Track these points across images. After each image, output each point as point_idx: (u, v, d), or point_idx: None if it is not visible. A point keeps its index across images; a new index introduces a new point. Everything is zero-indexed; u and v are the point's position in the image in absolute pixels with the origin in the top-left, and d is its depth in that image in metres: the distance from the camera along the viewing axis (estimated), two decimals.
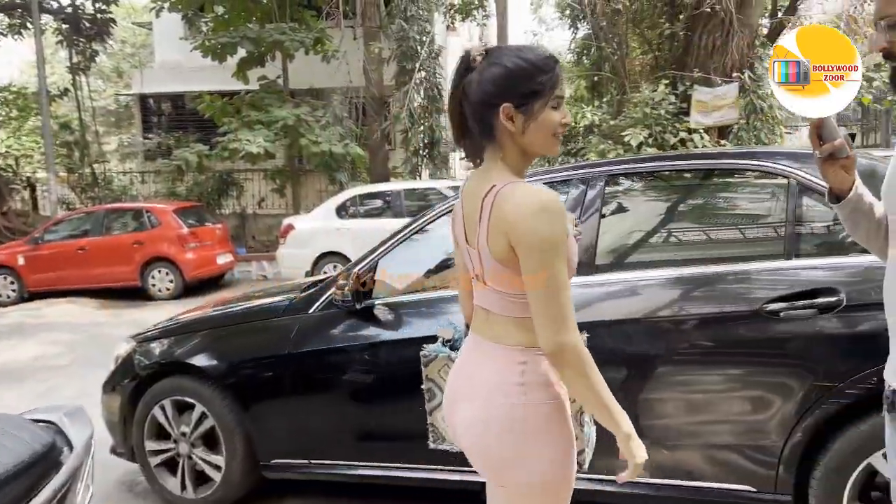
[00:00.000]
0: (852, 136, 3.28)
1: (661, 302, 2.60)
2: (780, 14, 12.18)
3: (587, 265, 2.72)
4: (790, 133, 14.24)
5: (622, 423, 1.48)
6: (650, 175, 3.07)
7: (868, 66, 12.25)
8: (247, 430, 3.25)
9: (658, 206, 3.19)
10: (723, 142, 10.30)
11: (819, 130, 1.54)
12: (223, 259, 11.39)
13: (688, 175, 3.09)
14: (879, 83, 10.77)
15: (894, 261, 1.50)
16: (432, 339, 2.90)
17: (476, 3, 17.18)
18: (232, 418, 3.25)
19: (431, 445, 2.08)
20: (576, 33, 13.14)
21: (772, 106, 10.77)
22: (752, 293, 2.48)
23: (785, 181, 2.59)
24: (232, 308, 3.69)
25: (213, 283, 11.45)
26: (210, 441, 3.34)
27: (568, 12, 13.59)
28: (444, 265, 3.47)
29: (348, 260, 9.18)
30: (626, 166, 3.06)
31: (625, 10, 11.05)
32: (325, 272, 9.35)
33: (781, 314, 2.37)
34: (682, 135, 10.06)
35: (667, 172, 3.09)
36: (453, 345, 1.98)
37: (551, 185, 3.15)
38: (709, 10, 9.95)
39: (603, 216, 2.83)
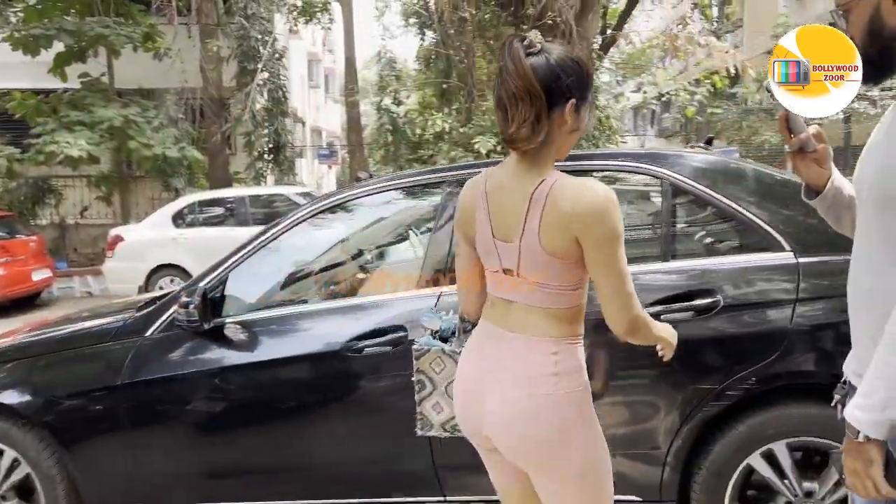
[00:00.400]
0: (710, 142, 3.37)
1: None
2: (608, 31, 12.92)
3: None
4: (625, 143, 15.17)
5: (667, 335, 1.73)
6: None
7: (689, 81, 13.32)
8: (72, 475, 2.76)
9: None
10: None
11: (788, 124, 1.55)
12: (39, 275, 10.18)
13: None
14: (700, 97, 11.74)
15: (856, 252, 1.46)
16: (296, 359, 2.66)
17: (320, 6, 16.76)
18: (52, 463, 2.75)
19: (419, 433, 2.18)
20: (423, 40, 13.17)
21: (608, 116, 11.38)
22: None
23: (658, 182, 2.57)
24: (51, 332, 3.16)
25: (28, 302, 10.22)
26: (25, 492, 2.82)
27: (414, 20, 13.59)
28: (303, 276, 3.18)
29: (188, 273, 8.51)
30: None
31: (471, 19, 11.18)
32: (161, 287, 8.60)
33: (661, 318, 2.33)
34: None
35: None
36: (442, 335, 2.05)
37: (417, 188, 2.97)
38: (550, 21, 10.28)
39: None
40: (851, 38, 1.42)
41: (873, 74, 1.43)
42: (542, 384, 1.56)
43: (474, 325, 1.78)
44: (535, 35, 1.52)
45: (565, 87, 1.50)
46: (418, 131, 12.29)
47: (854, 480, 1.35)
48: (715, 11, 20.85)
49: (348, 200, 2.95)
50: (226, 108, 12.81)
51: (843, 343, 2.27)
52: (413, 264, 2.84)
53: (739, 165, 2.56)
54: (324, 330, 2.69)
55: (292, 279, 3.17)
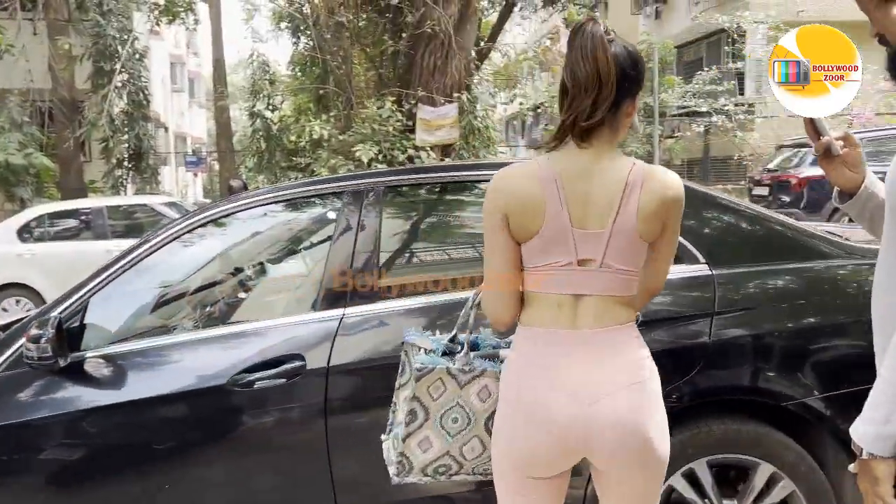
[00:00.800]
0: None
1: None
2: (482, 43, 13.05)
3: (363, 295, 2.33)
4: (503, 153, 15.43)
5: None
6: (428, 186, 2.76)
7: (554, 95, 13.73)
8: None
9: (426, 221, 2.91)
10: (446, 160, 10.64)
11: (814, 126, 1.57)
12: None
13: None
14: None
15: (879, 265, 1.37)
16: (173, 397, 2.30)
17: (184, 5, 15.84)
18: None
19: (395, 479, 1.79)
20: (297, 45, 12.70)
21: (488, 127, 11.45)
22: None
23: None
24: None
25: None
26: None
27: (287, 24, 13.10)
28: (179, 300, 2.81)
29: (38, 294, 7.64)
30: (402, 177, 2.71)
31: (348, 24, 10.91)
32: (5, 309, 7.68)
33: None
34: (410, 151, 10.17)
35: (441, 184, 2.80)
36: (450, 350, 1.77)
37: (308, 199, 2.70)
38: (429, 30, 10.21)
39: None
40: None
41: None
42: (642, 371, 1.56)
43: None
44: (604, 22, 1.52)
45: (638, 77, 1.54)
46: (294, 138, 11.84)
47: (866, 501, 1.28)
48: None
49: (229, 214, 2.62)
50: (79, 111, 11.73)
51: (763, 355, 2.28)
52: (308, 284, 2.56)
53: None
54: (205, 362, 2.35)
55: (166, 304, 2.78)
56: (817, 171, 10.16)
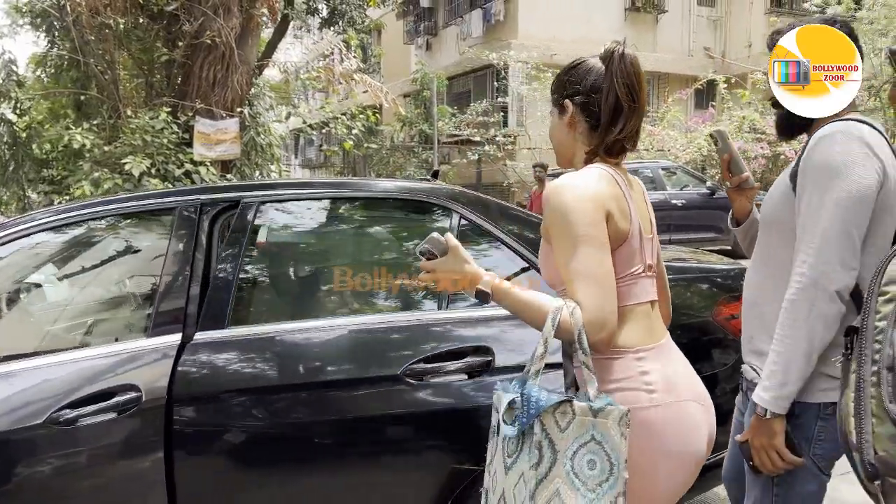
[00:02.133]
0: (435, 175, 3.45)
1: (300, 364, 2.18)
2: (258, 58, 12.73)
3: (214, 318, 2.18)
4: (287, 171, 15.09)
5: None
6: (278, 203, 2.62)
7: (345, 114, 13.83)
8: None
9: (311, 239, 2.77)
10: (228, 176, 10.19)
11: (729, 165, 1.90)
12: None
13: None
14: (357, 131, 12.25)
15: (753, 275, 1.81)
16: None
17: None
18: None
19: None
20: (52, 44, 11.32)
21: (270, 144, 11.17)
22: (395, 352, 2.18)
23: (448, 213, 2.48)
24: None
25: None
26: None
27: (36, 19, 11.65)
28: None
29: None
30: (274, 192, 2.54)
31: (115, 27, 9.99)
32: None
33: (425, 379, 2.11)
34: (188, 166, 9.57)
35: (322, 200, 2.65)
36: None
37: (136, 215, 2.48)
38: (209, 41, 9.75)
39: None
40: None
41: None
42: None
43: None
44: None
45: None
46: (47, 146, 10.53)
47: (761, 457, 1.60)
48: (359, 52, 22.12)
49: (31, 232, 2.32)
50: None
51: None
52: (134, 307, 2.34)
53: (488, 198, 2.65)
54: (18, 398, 2.04)
55: None
56: None
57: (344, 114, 12.89)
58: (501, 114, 17.48)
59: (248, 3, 10.41)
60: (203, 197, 2.34)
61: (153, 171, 9.27)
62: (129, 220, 2.48)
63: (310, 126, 12.38)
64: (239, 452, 2.07)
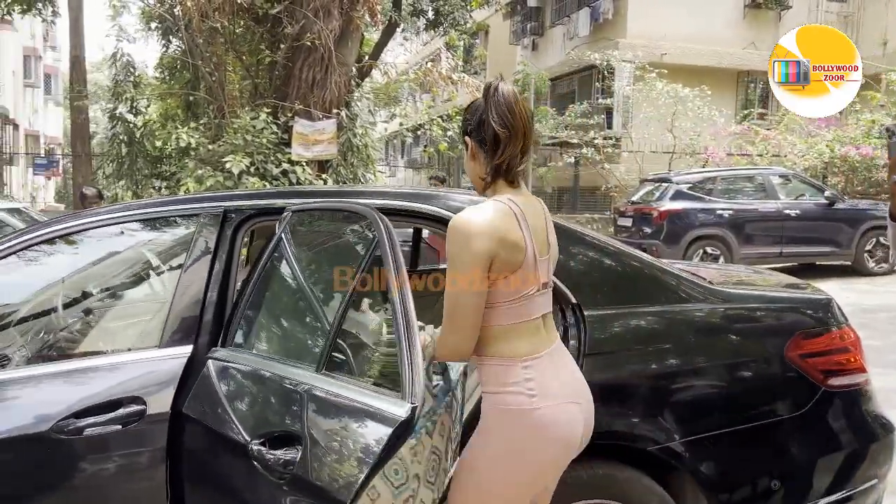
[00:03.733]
0: (441, 181, 3.33)
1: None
2: (365, 60, 12.94)
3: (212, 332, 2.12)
4: (382, 172, 15.31)
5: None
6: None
7: (441, 117, 13.84)
8: None
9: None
10: (323, 176, 10.38)
11: None
12: None
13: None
14: (452, 132, 12.21)
15: None
16: None
17: None
18: None
19: None
20: (167, 47, 12.00)
21: (367, 145, 11.31)
22: None
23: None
24: None
25: None
26: None
27: (157, 24, 12.38)
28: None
29: None
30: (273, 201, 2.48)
31: (222, 30, 10.43)
32: None
33: None
34: (285, 166, 9.82)
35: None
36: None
37: (162, 219, 2.46)
38: (309, 43, 9.96)
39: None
40: None
41: None
42: None
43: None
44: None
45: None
46: (159, 144, 11.13)
47: None
48: (463, 53, 22.16)
49: (73, 232, 2.33)
50: None
51: (628, 400, 2.27)
52: (152, 315, 2.31)
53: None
54: (27, 403, 2.04)
55: None
56: (677, 206, 10.84)
57: (441, 116, 12.89)
58: (604, 116, 16.92)
59: (349, 6, 10.55)
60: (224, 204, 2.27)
61: (252, 169, 9.57)
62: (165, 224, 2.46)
63: (406, 129, 12.42)
64: None
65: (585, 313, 2.21)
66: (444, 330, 1.69)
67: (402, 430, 1.50)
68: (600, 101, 17.23)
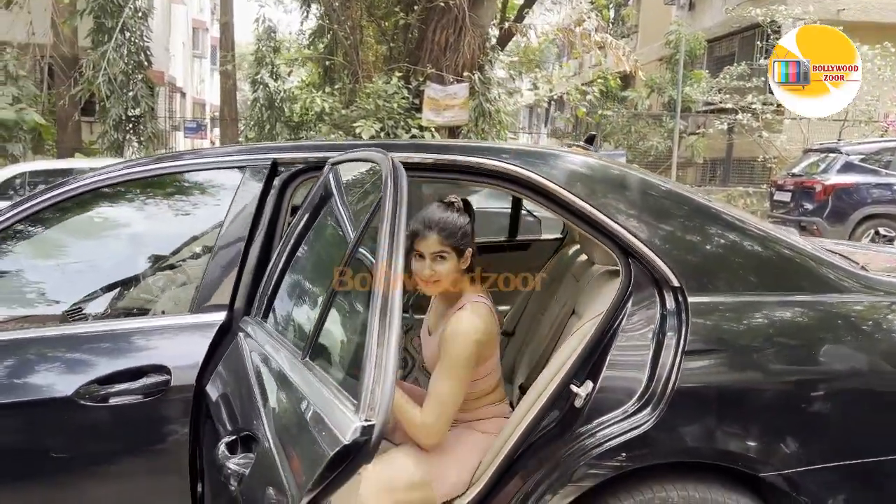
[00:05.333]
0: (591, 140, 2.87)
1: None
2: (506, 23, 12.47)
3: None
4: (514, 138, 14.87)
5: None
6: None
7: (585, 81, 13.14)
8: None
9: None
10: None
11: None
12: None
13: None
14: (591, 97, 11.53)
15: None
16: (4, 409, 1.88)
17: None
18: None
19: None
20: (307, 15, 12.20)
21: (499, 110, 10.91)
22: None
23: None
24: None
25: None
26: None
27: None
28: (37, 286, 2.36)
29: None
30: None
31: None
32: None
33: None
34: (415, 131, 9.68)
35: None
36: None
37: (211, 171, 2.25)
38: (442, 4, 9.68)
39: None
40: None
41: None
42: None
43: None
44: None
45: None
46: (298, 109, 11.37)
47: None
48: (611, 13, 21.00)
49: (116, 184, 2.17)
50: (78, 69, 11.35)
51: (733, 410, 1.80)
52: (187, 277, 2.11)
53: (622, 171, 2.00)
54: (55, 365, 1.91)
55: (18, 290, 2.33)
56: (846, 179, 9.59)
57: (585, 84, 12.22)
58: (764, 79, 15.36)
59: None
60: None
61: (382, 134, 9.51)
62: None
63: (546, 96, 11.88)
64: None
65: (692, 300, 1.75)
66: (429, 414, 1.82)
67: (343, 458, 1.09)
68: (762, 62, 15.64)
